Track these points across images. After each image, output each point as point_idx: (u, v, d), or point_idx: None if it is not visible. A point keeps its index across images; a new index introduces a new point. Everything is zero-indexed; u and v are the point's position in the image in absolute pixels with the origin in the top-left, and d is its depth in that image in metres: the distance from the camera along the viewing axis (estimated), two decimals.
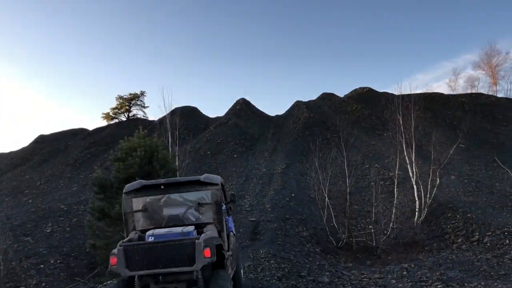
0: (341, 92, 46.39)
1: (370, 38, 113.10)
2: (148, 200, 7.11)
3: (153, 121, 43.14)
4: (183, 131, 23.85)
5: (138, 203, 7.04)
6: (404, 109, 18.70)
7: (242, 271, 8.91)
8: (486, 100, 41.98)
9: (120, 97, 48.88)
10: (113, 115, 48.73)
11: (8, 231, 17.66)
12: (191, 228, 6.43)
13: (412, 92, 21.54)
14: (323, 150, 19.10)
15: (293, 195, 20.79)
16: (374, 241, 15.46)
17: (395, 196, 17.20)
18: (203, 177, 7.08)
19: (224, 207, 7.47)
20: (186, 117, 36.17)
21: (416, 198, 17.71)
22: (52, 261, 16.29)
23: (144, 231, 6.64)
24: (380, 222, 15.79)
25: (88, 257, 16.42)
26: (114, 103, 49.29)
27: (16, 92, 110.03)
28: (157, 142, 15.84)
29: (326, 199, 16.62)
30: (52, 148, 40.47)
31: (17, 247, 17.23)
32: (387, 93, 39.92)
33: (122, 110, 48.83)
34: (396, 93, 22.34)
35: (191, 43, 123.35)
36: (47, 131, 64.38)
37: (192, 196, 7.13)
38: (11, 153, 43.95)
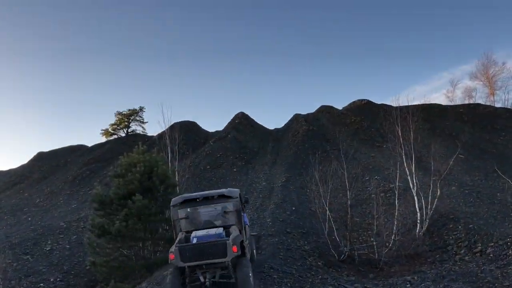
0: (340, 105, 46.53)
1: (368, 50, 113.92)
2: (188, 210, 10.11)
3: (152, 136, 43.17)
4: (182, 146, 23.87)
5: (182, 212, 10.09)
6: (403, 121, 18.73)
7: (254, 251, 12.09)
8: (484, 111, 42.11)
9: (119, 113, 48.96)
10: (112, 131, 48.73)
11: (8, 250, 17.54)
12: (221, 229, 9.34)
13: (410, 104, 21.61)
14: (323, 162, 19.08)
15: (293, 208, 20.70)
16: (376, 254, 15.35)
17: (396, 208, 17.11)
18: (226, 192, 10.17)
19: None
20: (185, 132, 36.19)
21: (417, 210, 17.63)
22: (52, 280, 16.12)
23: (187, 232, 9.68)
24: (381, 235, 15.69)
25: (88, 274, 16.26)
26: (113, 119, 49.36)
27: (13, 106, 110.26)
28: (156, 158, 15.84)
29: (327, 212, 16.54)
30: (51, 165, 40.40)
31: (16, 266, 17.06)
32: (385, 105, 40.06)
33: (121, 126, 48.84)
34: (394, 104, 22.38)
35: (190, 58, 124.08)
36: (46, 148, 64.38)
37: (220, 206, 10.07)
38: (10, 170, 43.85)
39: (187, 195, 10.51)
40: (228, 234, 9.20)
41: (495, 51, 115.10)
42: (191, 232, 9.51)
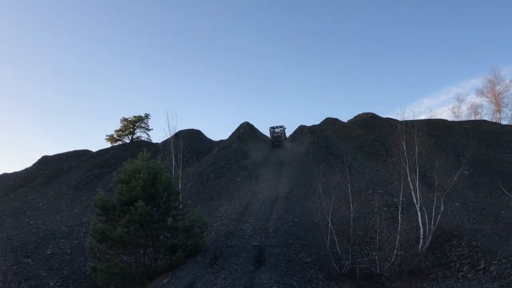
0: (345, 118, 48.12)
1: (376, 63, 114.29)
2: (272, 129, 45.38)
3: (156, 143, 43.34)
4: (186, 154, 23.85)
5: (271, 129, 45.50)
6: (408, 135, 18.69)
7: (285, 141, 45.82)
8: (490, 127, 42.01)
9: (125, 119, 49.26)
10: (117, 137, 48.97)
11: (9, 253, 17.49)
12: (280, 133, 44.92)
13: (416, 118, 21.59)
14: (326, 175, 18.99)
15: (296, 220, 20.61)
16: (378, 268, 15.23)
17: (399, 223, 17.01)
18: (282, 125, 48.53)
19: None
20: (190, 140, 36.27)
21: (421, 225, 17.51)
22: (51, 284, 16.06)
23: (272, 134, 45.79)
24: (384, 249, 15.57)
25: (88, 280, 16.19)
26: (118, 125, 49.60)
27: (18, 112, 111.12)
28: (160, 165, 15.81)
29: (330, 224, 16.46)
30: (55, 170, 40.55)
31: (16, 269, 17.03)
32: (390, 119, 40.13)
33: (126, 132, 49.08)
34: (400, 119, 22.37)
35: (196, 68, 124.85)
36: (51, 152, 64.61)
37: (280, 128, 45.14)
38: (14, 173, 44.05)
39: (273, 125, 46.74)
40: (282, 133, 44.11)
41: (503, 67, 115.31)
42: (274, 134, 43.84)
